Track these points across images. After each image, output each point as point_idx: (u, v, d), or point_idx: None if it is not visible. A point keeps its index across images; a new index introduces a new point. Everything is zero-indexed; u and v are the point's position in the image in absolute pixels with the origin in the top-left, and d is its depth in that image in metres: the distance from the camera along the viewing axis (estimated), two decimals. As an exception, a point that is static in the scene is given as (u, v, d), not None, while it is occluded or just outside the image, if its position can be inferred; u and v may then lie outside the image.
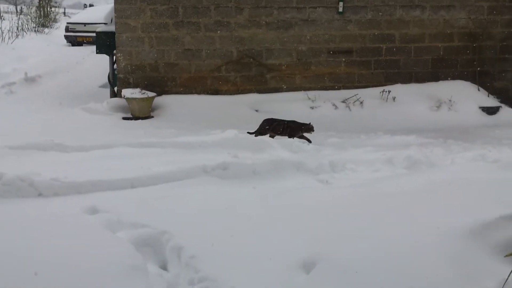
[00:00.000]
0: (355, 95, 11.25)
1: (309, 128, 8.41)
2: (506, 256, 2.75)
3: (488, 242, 3.51)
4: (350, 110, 10.98)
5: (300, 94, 11.37)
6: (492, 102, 11.56)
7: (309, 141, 8.30)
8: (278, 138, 8.22)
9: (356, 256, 3.47)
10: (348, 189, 5.14)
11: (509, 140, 8.83)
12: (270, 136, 8.31)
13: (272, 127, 8.51)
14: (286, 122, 8.55)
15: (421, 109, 11.01)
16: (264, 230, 4.02)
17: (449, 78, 11.90)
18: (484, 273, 3.23)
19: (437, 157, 7.03)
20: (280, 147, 7.19)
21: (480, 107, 11.25)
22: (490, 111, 11.25)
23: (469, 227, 3.66)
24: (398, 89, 11.44)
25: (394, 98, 11.17)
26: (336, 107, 11.00)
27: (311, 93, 11.31)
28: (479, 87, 11.81)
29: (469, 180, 4.99)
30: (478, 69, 11.90)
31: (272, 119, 8.69)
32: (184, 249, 3.75)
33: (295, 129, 8.44)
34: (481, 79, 11.90)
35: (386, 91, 11.24)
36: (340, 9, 11.51)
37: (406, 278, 3.25)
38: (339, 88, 11.69)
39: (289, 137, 8.35)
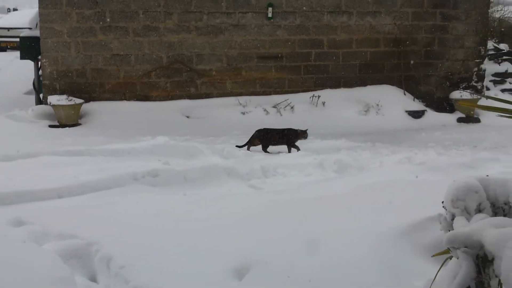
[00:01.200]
0: (285, 100, 11.33)
1: (302, 135, 8.28)
2: (433, 256, 2.80)
3: (416, 243, 3.58)
4: (281, 115, 11.04)
5: (231, 100, 11.35)
6: (417, 106, 11.90)
7: (298, 148, 8.21)
8: (271, 148, 8.21)
9: (289, 261, 3.46)
10: (280, 194, 5.16)
11: (434, 143, 9.10)
12: (263, 147, 8.21)
13: (267, 137, 8.32)
14: (282, 131, 8.39)
15: (350, 113, 11.20)
16: (196, 237, 3.96)
17: (376, 83, 12.16)
18: (413, 273, 3.29)
19: (366, 160, 7.16)
20: (211, 153, 7.16)
21: (406, 111, 11.55)
22: (416, 114, 11.57)
23: (398, 228, 3.73)
24: (327, 94, 11.60)
25: (323, 103, 11.32)
26: (267, 112, 11.05)
27: (242, 99, 11.31)
28: (405, 91, 12.13)
29: (396, 182, 5.10)
30: (404, 73, 12.22)
31: (265, 129, 8.47)
32: (113, 259, 3.65)
33: (293, 137, 8.28)
34: (407, 84, 12.23)
35: (316, 96, 11.37)
36: (270, 15, 11.57)
37: (338, 280, 3.27)
38: (270, 93, 11.74)
39: (288, 145, 8.20)
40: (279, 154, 7.68)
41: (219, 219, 4.30)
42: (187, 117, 10.87)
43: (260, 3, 11.54)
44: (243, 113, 10.98)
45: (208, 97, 11.58)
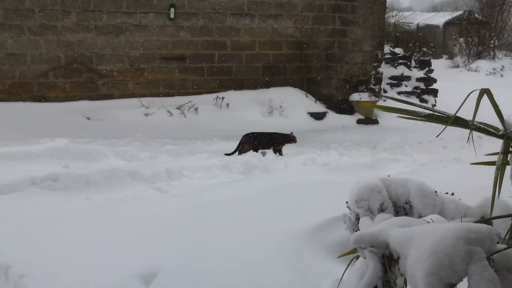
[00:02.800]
0: (189, 101, 11.24)
1: (291, 138, 8.20)
2: (340, 256, 2.84)
3: (323, 243, 3.64)
4: (186, 116, 10.95)
5: (134, 101, 11.12)
6: (319, 107, 12.17)
7: (281, 153, 8.16)
8: (261, 151, 8.05)
9: (197, 266, 3.41)
10: (185, 197, 5.09)
11: (335, 144, 9.33)
12: (253, 150, 8.04)
13: (254, 141, 8.18)
14: (270, 134, 8.28)
15: (254, 114, 11.28)
16: (101, 243, 3.83)
17: (279, 85, 12.32)
18: (320, 273, 3.33)
19: (272, 162, 7.22)
20: (114, 155, 6.96)
21: (308, 113, 11.79)
22: (318, 116, 11.83)
23: (305, 229, 3.77)
24: (231, 96, 11.63)
25: (228, 105, 11.33)
26: (171, 114, 10.92)
27: (145, 100, 11.12)
28: (307, 94, 12.37)
29: (302, 183, 5.16)
30: (306, 76, 12.46)
31: (252, 133, 8.33)
32: (12, 268, 3.45)
33: (281, 141, 8.21)
34: (309, 86, 12.48)
35: (220, 98, 11.37)
36: (172, 15, 11.45)
37: (248, 282, 3.25)
38: (173, 95, 11.62)
39: (275, 148, 8.12)
40: (184, 156, 7.59)
41: (124, 224, 4.17)
42: (88, 118, 10.54)
43: (162, 3, 11.40)
44: (146, 115, 10.79)
45: (109, 98, 11.29)
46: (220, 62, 11.97)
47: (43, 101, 10.93)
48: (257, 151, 8.10)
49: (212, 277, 3.27)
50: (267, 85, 12.25)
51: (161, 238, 3.85)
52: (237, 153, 8.00)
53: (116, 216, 4.42)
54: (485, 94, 2.15)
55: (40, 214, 4.51)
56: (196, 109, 11.12)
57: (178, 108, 11.08)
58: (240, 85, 12.08)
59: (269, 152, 8.10)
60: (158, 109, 10.95)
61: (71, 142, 7.23)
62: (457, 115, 2.23)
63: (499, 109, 2.24)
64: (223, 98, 11.37)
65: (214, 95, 11.53)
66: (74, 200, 5.05)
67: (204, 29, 11.76)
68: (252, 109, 11.39)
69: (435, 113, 2.34)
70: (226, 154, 7.84)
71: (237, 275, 3.31)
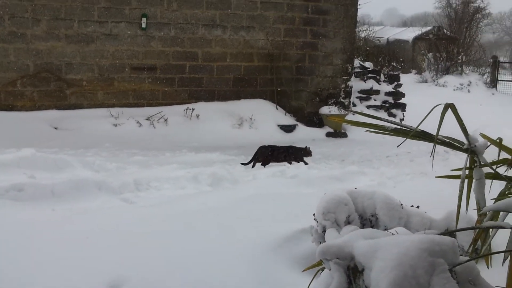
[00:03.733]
0: (159, 112, 11.19)
1: (307, 152, 8.22)
2: (305, 270, 2.85)
3: (290, 255, 3.63)
4: (155, 127, 10.89)
5: (103, 111, 11.04)
6: (289, 120, 12.23)
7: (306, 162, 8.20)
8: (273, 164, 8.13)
9: (163, 277, 3.38)
10: (153, 208, 5.03)
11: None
12: (263, 162, 8.09)
13: (271, 155, 8.23)
14: (286, 148, 8.31)
15: (224, 126, 11.29)
16: (67, 254, 3.76)
17: (250, 97, 12.35)
18: (287, 285, 3.33)
19: (240, 174, 7.21)
20: (81, 166, 6.87)
21: (278, 125, 11.83)
22: (288, 129, 11.88)
23: (272, 241, 3.76)
24: (202, 107, 11.61)
25: (198, 116, 11.31)
26: (140, 125, 10.85)
27: (115, 110, 11.03)
28: (278, 106, 12.43)
29: (270, 195, 5.15)
30: (277, 88, 12.51)
31: (268, 146, 8.35)
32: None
33: (298, 155, 8.28)
34: (279, 98, 12.53)
35: (190, 109, 11.34)
36: (143, 25, 11.41)
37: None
38: (143, 105, 11.56)
39: (290, 162, 8.18)
40: (153, 167, 7.54)
41: (90, 235, 4.11)
42: (56, 128, 10.42)
43: (134, 13, 11.36)
44: (115, 125, 10.70)
45: (78, 108, 11.18)
46: (191, 73, 11.96)
47: (10, 110, 10.76)
48: (265, 165, 8.17)
49: (177, 289, 3.24)
50: (238, 96, 12.27)
51: (127, 249, 3.80)
52: (251, 164, 8.07)
53: (81, 227, 4.36)
54: (450, 109, 2.18)
55: (4, 225, 4.42)
56: (166, 120, 11.07)
57: (147, 119, 11.01)
58: (210, 97, 12.08)
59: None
60: (128, 120, 10.88)
61: (38, 152, 7.12)
62: (423, 129, 2.26)
63: (463, 124, 2.28)
64: (193, 109, 11.34)
65: (185, 106, 11.50)
66: (39, 211, 4.96)
67: (175, 39, 11.74)
68: (222, 120, 11.39)
69: (402, 128, 2.37)
70: (242, 164, 8.01)
71: (202, 287, 3.29)
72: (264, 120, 11.69)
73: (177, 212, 4.72)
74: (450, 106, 2.18)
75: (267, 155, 8.31)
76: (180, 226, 4.28)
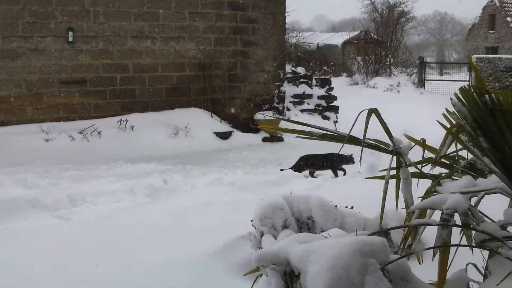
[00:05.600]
0: (92, 125, 10.99)
1: (348, 159, 8.03)
2: (245, 275, 2.87)
3: (230, 262, 3.65)
4: (88, 141, 10.69)
5: (33, 127, 10.74)
6: (224, 127, 12.24)
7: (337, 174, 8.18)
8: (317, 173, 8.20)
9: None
10: (89, 224, 4.95)
11: (241, 162, 9.41)
12: (310, 172, 8.15)
13: (311, 163, 8.24)
14: (325, 156, 8.21)
15: (160, 136, 11.19)
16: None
17: (184, 106, 12.29)
18: (227, 292, 3.35)
19: (178, 183, 7.18)
20: (13, 183, 6.69)
21: (214, 133, 11.83)
22: (223, 136, 11.90)
23: (213, 249, 3.78)
24: (135, 118, 11.48)
25: (132, 127, 11.18)
26: (73, 139, 10.62)
27: (45, 125, 10.76)
28: (212, 114, 12.42)
29: (208, 203, 5.16)
30: (210, 96, 12.50)
31: (309, 155, 8.33)
32: None
33: (337, 162, 8.17)
34: (214, 106, 12.54)
35: (123, 121, 11.19)
36: (70, 39, 11.20)
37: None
38: (75, 119, 11.32)
39: (333, 169, 8.18)
40: (87, 182, 7.39)
41: (23, 256, 4.00)
42: (-16, 146, 10.06)
43: (60, 27, 11.13)
44: (47, 140, 10.44)
45: (6, 125, 10.84)
46: (122, 85, 11.81)
47: None
48: (312, 174, 8.27)
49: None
50: (172, 106, 12.19)
51: (62, 267, 3.73)
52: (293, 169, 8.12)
53: (14, 247, 4.24)
54: (374, 114, 2.25)
55: None
56: (99, 133, 10.88)
57: (80, 133, 10.80)
58: (144, 108, 11.96)
59: (177, 174, 8.03)
60: (59, 134, 10.63)
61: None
62: (352, 133, 2.33)
63: (387, 127, 2.36)
64: (127, 120, 11.20)
65: (118, 118, 11.34)
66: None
67: (104, 52, 11.57)
68: (157, 131, 11.29)
69: (329, 133, 2.43)
70: (281, 170, 8.16)
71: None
72: (199, 128, 11.67)
73: (115, 226, 4.65)
74: (373, 111, 2.26)
75: (307, 163, 8.39)
76: (119, 240, 4.23)
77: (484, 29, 36.77)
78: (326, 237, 2.15)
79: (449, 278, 2.06)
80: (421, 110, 15.46)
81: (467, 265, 2.20)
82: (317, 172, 8.47)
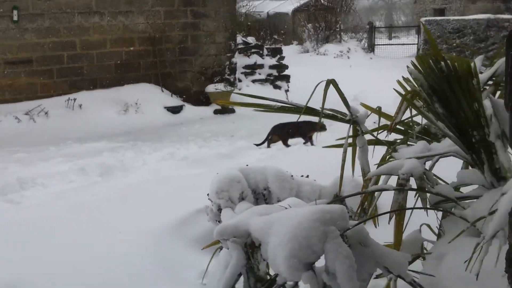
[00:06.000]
0: (39, 106, 10.69)
1: (321, 126, 7.43)
2: (203, 248, 2.87)
3: (187, 236, 3.65)
4: (35, 122, 10.41)
5: (-23, 110, 10.40)
6: (175, 101, 12.11)
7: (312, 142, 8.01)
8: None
9: (58, 271, 3.28)
10: (40, 207, 4.84)
11: (194, 136, 9.34)
12: (284, 141, 8.01)
13: (286, 132, 8.14)
14: (298, 124, 7.62)
15: (109, 114, 10.98)
16: None
17: (134, 82, 12.09)
18: (186, 266, 3.36)
19: (130, 161, 7.07)
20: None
21: (165, 107, 11.69)
22: (175, 110, 11.77)
23: (169, 224, 3.77)
24: (84, 96, 11.22)
25: (80, 106, 10.93)
26: (19, 120, 10.32)
27: (-10, 108, 10.43)
28: (163, 88, 12.26)
29: (162, 179, 5.12)
30: (161, 71, 12.33)
31: (283, 124, 8.09)
32: None
33: (309, 129, 8.03)
34: (164, 81, 12.37)
35: (71, 99, 10.93)
36: (15, 18, 10.81)
37: (115, 283, 3.19)
38: (21, 100, 10.98)
39: (306, 137, 8.09)
40: (37, 164, 7.19)
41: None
42: None
43: (4, 6, 10.73)
44: (-8, 123, 10.13)
45: (-51, 109, 10.46)
46: (70, 63, 11.51)
47: None
48: (285, 143, 8.10)
49: (77, 284, 3.16)
50: (121, 83, 11.97)
51: (17, 251, 3.64)
52: (266, 144, 7.93)
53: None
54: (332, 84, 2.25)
55: None
56: (46, 113, 10.60)
57: (26, 114, 10.49)
58: (93, 85, 11.70)
59: (129, 151, 7.91)
60: (5, 116, 10.30)
61: None
62: (308, 104, 2.33)
63: (344, 97, 2.37)
64: (75, 99, 10.95)
65: (66, 97, 11.06)
66: None
67: (51, 30, 11.23)
68: (106, 108, 11.07)
69: (287, 105, 2.44)
70: (255, 144, 7.87)
71: (103, 278, 3.22)
72: (150, 103, 11.50)
73: (67, 207, 4.56)
74: (331, 82, 2.26)
75: (282, 132, 8.25)
76: (72, 221, 4.15)
77: (431, -10, 37.19)
78: (286, 208, 2.15)
79: (404, 239, 2.11)
80: (371, 75, 15.65)
81: (421, 226, 2.26)
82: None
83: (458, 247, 1.77)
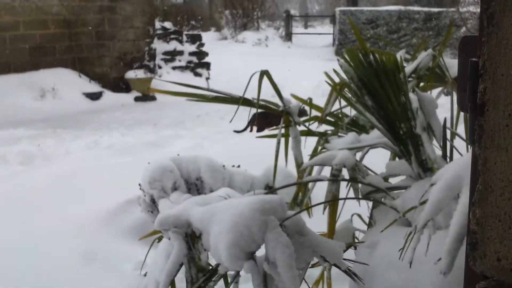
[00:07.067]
0: (-51, 90, 10.23)
1: (301, 112, 7.23)
2: (141, 239, 2.89)
3: (119, 227, 3.63)
4: None
5: None
6: (94, 87, 11.88)
7: None
8: None
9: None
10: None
11: (116, 124, 9.21)
12: (261, 128, 7.44)
13: (269, 120, 7.37)
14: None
15: (25, 99, 10.64)
16: None
17: (50, 66, 11.75)
18: (121, 258, 3.34)
19: (51, 149, 6.91)
20: None
21: (83, 93, 11.45)
22: (94, 96, 11.55)
23: (99, 214, 3.74)
24: (-3, 81, 10.82)
25: (-7, 91, 10.54)
26: None
27: None
28: (80, 74, 11.99)
29: (88, 168, 5.05)
30: (77, 55, 12.04)
31: (264, 112, 7.43)
32: None
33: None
34: (82, 66, 12.09)
35: (-17, 84, 10.52)
36: None
37: (43, 277, 3.16)
38: None
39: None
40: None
41: None
42: None
43: None
44: None
45: None
46: (-21, 46, 11.04)
47: None
48: (262, 130, 7.74)
49: (11, 278, 3.11)
50: (36, 67, 11.60)
51: None
52: (248, 129, 7.69)
53: None
54: (265, 76, 2.33)
55: None
56: (-43, 99, 10.16)
57: None
58: (5, 69, 11.27)
59: (49, 139, 7.71)
60: None
61: None
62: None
63: (277, 88, 2.46)
64: (-12, 84, 10.54)
65: (-24, 82, 10.63)
66: None
67: (-42, 10, 10.72)
68: (21, 94, 10.71)
69: (222, 95, 2.49)
70: (235, 131, 7.60)
71: (31, 272, 3.18)
72: (68, 89, 11.22)
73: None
74: (265, 74, 2.35)
75: (264, 121, 8.03)
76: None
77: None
78: (225, 198, 2.22)
79: (336, 229, 2.22)
80: (289, 64, 15.88)
81: (352, 215, 2.38)
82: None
83: (390, 236, 1.89)
